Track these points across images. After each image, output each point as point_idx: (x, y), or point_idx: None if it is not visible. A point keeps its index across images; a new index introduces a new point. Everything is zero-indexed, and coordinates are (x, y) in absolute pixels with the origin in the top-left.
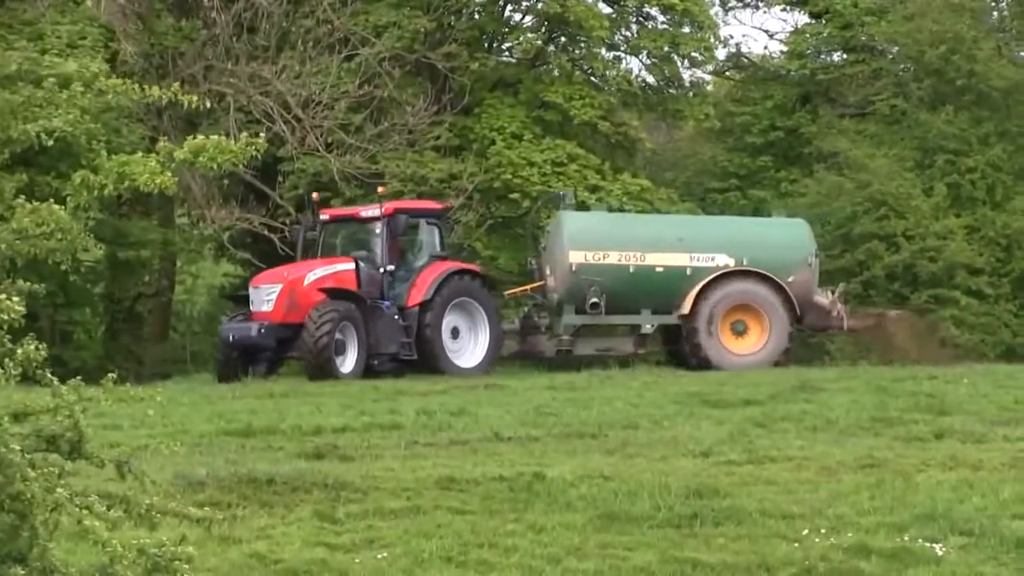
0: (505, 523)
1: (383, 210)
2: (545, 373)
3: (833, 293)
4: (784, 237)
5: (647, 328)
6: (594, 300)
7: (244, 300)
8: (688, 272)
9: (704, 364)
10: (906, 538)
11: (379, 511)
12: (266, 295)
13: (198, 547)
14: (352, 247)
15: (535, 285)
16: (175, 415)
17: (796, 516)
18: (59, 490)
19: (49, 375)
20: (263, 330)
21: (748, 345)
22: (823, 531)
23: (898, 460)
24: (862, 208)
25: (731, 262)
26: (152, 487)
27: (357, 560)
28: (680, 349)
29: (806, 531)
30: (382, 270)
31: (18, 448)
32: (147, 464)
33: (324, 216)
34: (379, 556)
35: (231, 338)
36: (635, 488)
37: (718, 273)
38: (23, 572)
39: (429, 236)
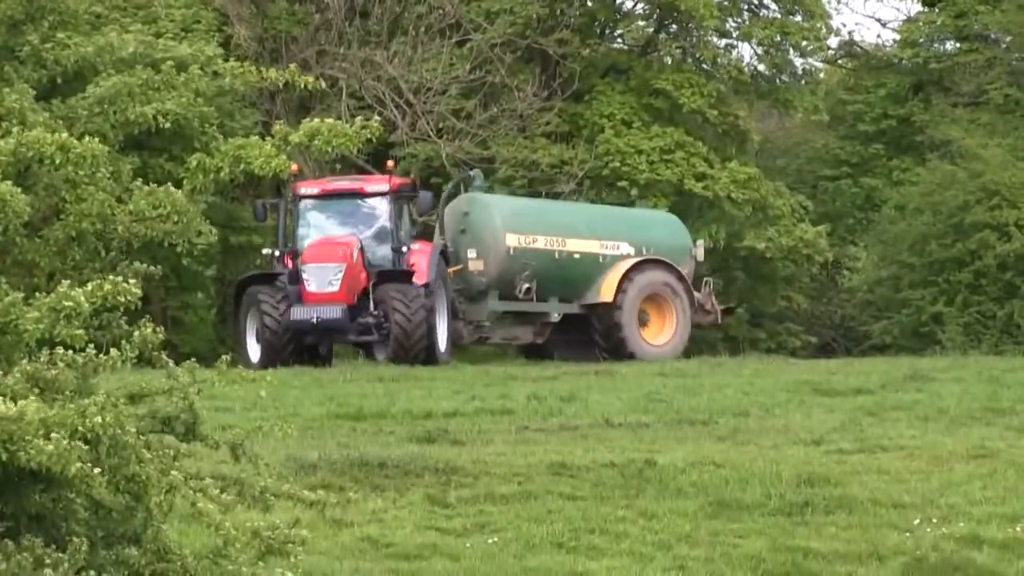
0: (616, 509)
1: (391, 186)
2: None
3: (706, 287)
4: (668, 229)
5: (555, 316)
6: (527, 286)
7: (262, 279)
8: (600, 260)
9: (621, 354)
10: (1019, 528)
11: (490, 496)
12: (333, 275)
13: (311, 530)
14: (351, 223)
15: (455, 268)
16: (287, 398)
17: (907, 505)
18: (174, 472)
19: (164, 357)
20: (344, 312)
21: (654, 334)
22: (935, 521)
23: (1010, 450)
24: (974, 197)
25: (632, 251)
26: (266, 469)
27: (468, 544)
28: (587, 338)
29: (917, 520)
30: (403, 248)
31: (134, 430)
32: (259, 447)
33: (314, 190)
34: (490, 540)
35: (315, 319)
36: (746, 476)
37: (636, 260)
38: (137, 553)
39: (407, 215)
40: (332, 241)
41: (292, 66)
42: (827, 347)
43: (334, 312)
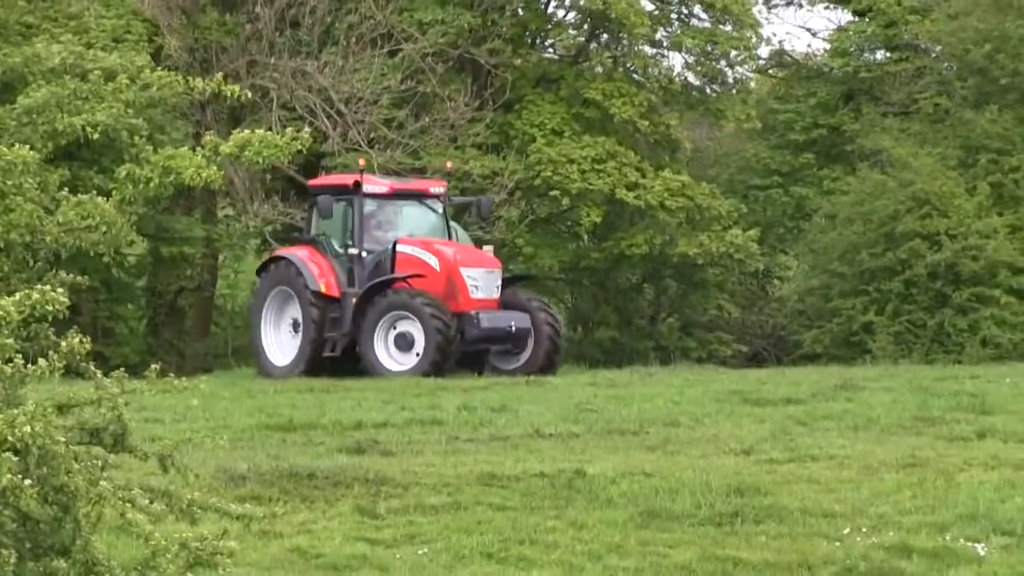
0: (546, 519)
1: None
2: (587, 370)
3: None
4: None
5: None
6: None
7: (377, 286)
8: None
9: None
10: (948, 538)
11: (420, 506)
12: (496, 281)
13: (239, 541)
14: (413, 224)
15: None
16: (217, 409)
17: (837, 515)
18: (102, 483)
19: (92, 368)
20: (527, 320)
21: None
22: (864, 530)
23: (940, 459)
24: (905, 207)
25: None
26: (194, 481)
27: (397, 555)
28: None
29: (847, 530)
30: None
31: (62, 440)
32: (189, 458)
33: (382, 188)
34: (419, 551)
35: (512, 327)
36: (676, 485)
37: None
38: (66, 565)
39: None
40: (471, 247)
41: (219, 76)
42: (758, 356)
43: (525, 320)
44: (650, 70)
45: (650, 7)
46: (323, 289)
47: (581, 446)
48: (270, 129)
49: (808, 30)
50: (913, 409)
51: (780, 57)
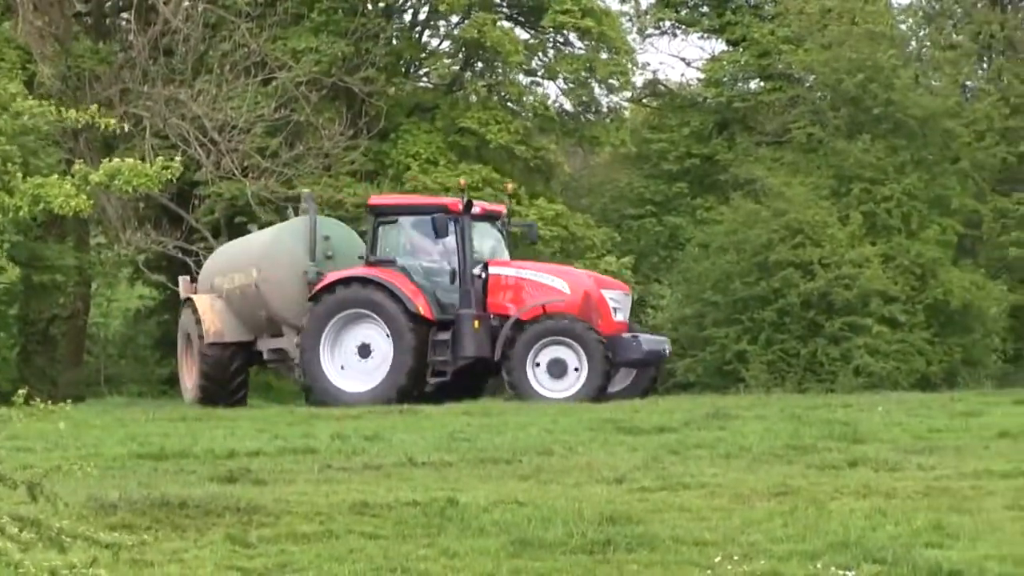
0: (418, 548)
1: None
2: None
3: None
4: None
5: None
6: None
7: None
8: None
9: None
10: (819, 566)
11: (292, 535)
12: (629, 304)
13: (109, 570)
14: (486, 245)
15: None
16: (88, 437)
17: (709, 543)
18: None
19: None
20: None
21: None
22: (736, 558)
23: (811, 488)
24: (778, 236)
25: None
26: (64, 509)
27: None
28: None
29: (719, 558)
30: None
31: None
32: (60, 486)
33: (476, 209)
34: None
35: (666, 351)
36: (548, 514)
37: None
38: None
39: None
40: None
41: (94, 107)
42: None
43: (666, 344)
44: (525, 98)
45: (525, 36)
46: (422, 311)
47: (454, 475)
48: (143, 158)
49: (682, 59)
50: (785, 437)
51: (654, 86)
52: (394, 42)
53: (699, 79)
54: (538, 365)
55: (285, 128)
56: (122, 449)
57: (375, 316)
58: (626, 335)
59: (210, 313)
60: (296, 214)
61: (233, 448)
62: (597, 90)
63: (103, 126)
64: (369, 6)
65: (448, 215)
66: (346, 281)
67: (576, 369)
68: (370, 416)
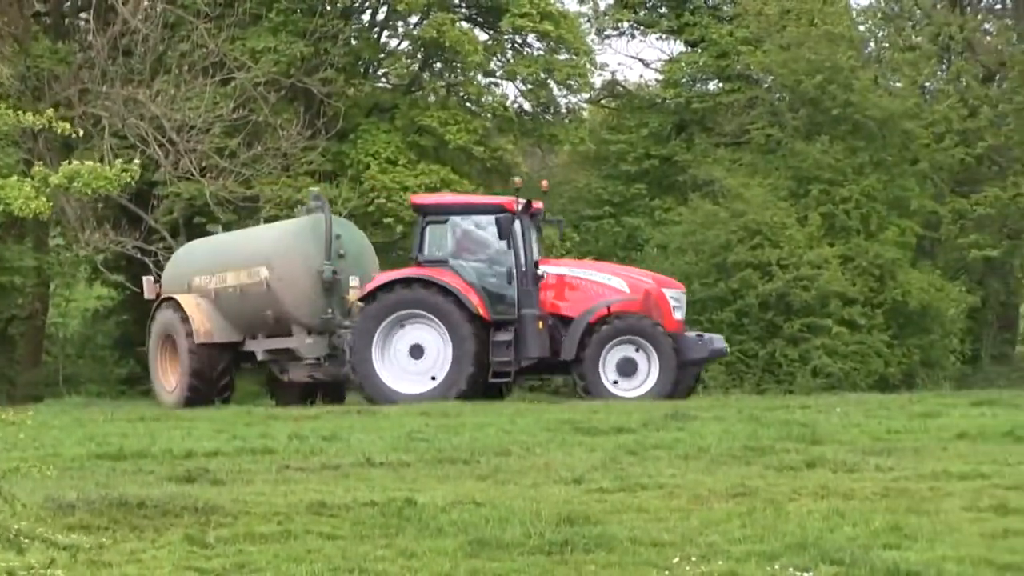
0: (375, 548)
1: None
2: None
3: None
4: None
5: None
6: None
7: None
8: None
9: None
10: (777, 567)
11: (249, 535)
12: (684, 303)
13: (67, 571)
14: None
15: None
16: (46, 438)
17: (667, 544)
18: None
19: None
20: None
21: None
22: (694, 559)
23: (769, 489)
24: (736, 237)
25: None
26: (22, 510)
27: None
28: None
29: (676, 559)
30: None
31: None
32: (18, 487)
33: (537, 205)
34: None
35: (726, 350)
36: (506, 514)
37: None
38: None
39: None
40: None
41: (49, 111)
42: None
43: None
44: (484, 98)
45: (483, 36)
46: (482, 313)
47: (412, 475)
48: (102, 159)
49: (641, 60)
50: (743, 438)
51: (612, 87)
52: (353, 42)
53: (657, 80)
54: (607, 365)
55: (243, 128)
56: (80, 449)
57: (432, 317)
58: (690, 333)
59: (198, 313)
60: (294, 213)
61: (191, 448)
62: (556, 91)
63: (59, 131)
64: (328, 7)
65: (511, 215)
66: (404, 281)
67: (646, 369)
68: (328, 416)
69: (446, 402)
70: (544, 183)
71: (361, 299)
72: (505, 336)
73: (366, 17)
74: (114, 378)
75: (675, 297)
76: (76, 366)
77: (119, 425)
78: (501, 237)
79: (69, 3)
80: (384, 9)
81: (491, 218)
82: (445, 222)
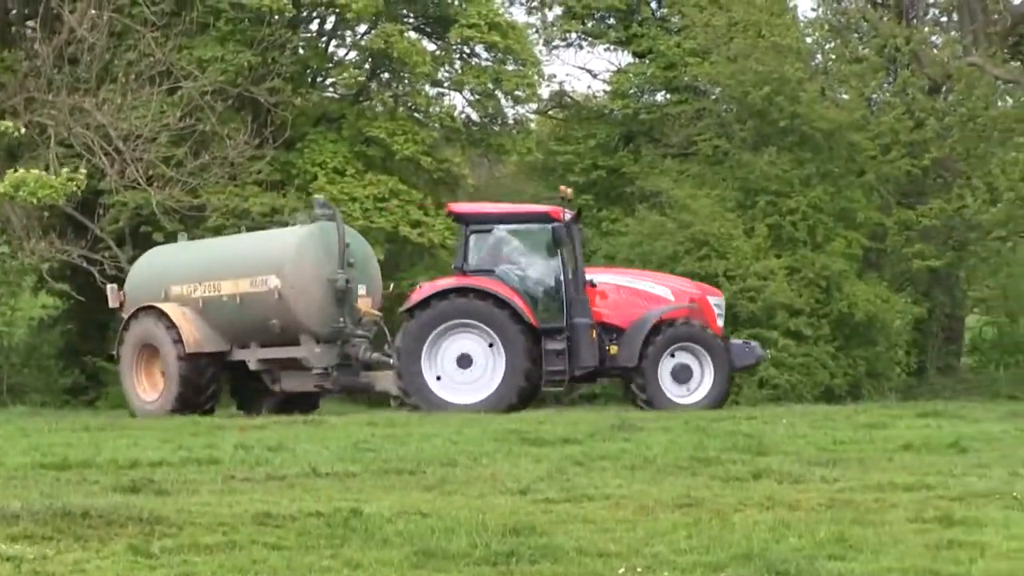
0: (321, 559)
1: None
2: (365, 409)
3: None
4: None
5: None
6: None
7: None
8: None
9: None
10: None
11: (194, 546)
12: (724, 308)
13: None
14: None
15: (374, 310)
16: None
17: (613, 554)
18: None
19: None
20: None
21: None
22: (639, 570)
23: (715, 499)
24: (683, 248)
25: None
26: None
27: None
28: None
29: (622, 570)
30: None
31: None
32: None
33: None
34: None
35: (767, 356)
36: (452, 525)
37: None
38: None
39: None
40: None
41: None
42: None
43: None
44: (432, 109)
45: (432, 47)
46: (534, 323)
47: (358, 485)
48: (48, 167)
49: (588, 71)
50: (690, 449)
51: (560, 98)
52: (300, 52)
53: (605, 91)
54: (662, 373)
55: (190, 137)
56: (24, 459)
57: (483, 326)
58: (737, 341)
59: (185, 323)
60: (291, 221)
61: (136, 458)
62: (503, 102)
63: (5, 130)
64: (275, 16)
65: (563, 225)
66: (459, 290)
67: (699, 376)
68: (274, 426)
69: (392, 412)
70: (568, 190)
71: (408, 308)
72: (557, 345)
73: (314, 26)
74: (59, 388)
75: (718, 304)
76: (21, 375)
77: (63, 435)
78: (557, 246)
79: (15, 11)
80: (332, 19)
81: (541, 227)
82: (489, 231)
